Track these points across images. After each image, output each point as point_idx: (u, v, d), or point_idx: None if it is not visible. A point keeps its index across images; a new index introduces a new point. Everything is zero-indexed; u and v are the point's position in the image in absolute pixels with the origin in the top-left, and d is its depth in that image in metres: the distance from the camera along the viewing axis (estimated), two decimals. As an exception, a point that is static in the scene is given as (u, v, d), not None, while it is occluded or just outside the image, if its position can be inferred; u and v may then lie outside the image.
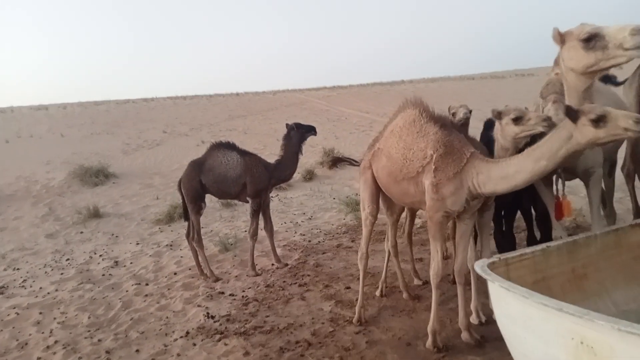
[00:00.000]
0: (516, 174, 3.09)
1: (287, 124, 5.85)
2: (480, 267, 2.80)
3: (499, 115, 3.42)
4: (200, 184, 5.77)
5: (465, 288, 3.77)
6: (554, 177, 4.06)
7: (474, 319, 3.94)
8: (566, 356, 2.18)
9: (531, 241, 4.66)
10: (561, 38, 3.21)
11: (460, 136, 3.54)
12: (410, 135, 3.65)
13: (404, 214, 5.01)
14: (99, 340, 4.35)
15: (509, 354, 2.73)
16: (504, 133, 3.38)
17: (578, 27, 3.16)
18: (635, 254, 3.26)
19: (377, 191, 4.20)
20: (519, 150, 3.37)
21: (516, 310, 2.49)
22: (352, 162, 5.22)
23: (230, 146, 5.93)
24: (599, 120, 2.66)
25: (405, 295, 4.60)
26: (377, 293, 4.73)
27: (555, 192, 4.01)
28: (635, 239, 3.42)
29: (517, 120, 3.29)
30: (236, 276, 5.70)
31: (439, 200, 3.39)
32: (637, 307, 3.14)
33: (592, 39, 3.01)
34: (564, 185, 4.07)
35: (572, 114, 2.76)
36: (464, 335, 3.71)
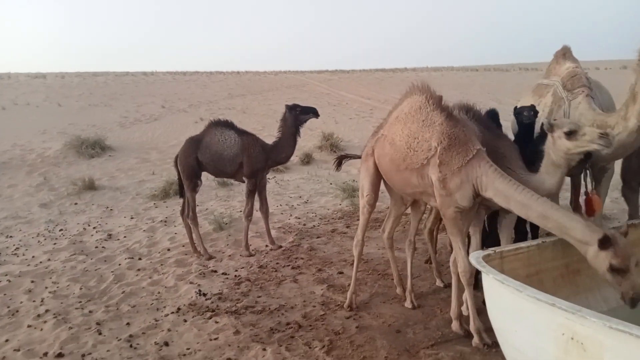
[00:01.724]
0: (518, 204, 3.06)
1: (286, 105, 5.78)
2: (475, 258, 2.81)
3: (550, 127, 3.17)
4: (197, 161, 5.74)
5: (458, 278, 3.77)
6: (582, 174, 4.07)
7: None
8: (556, 350, 2.20)
9: (520, 239, 4.64)
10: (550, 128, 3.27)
11: (467, 129, 3.42)
12: (416, 123, 3.54)
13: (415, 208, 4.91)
14: (90, 312, 4.36)
15: (498, 345, 2.76)
16: (555, 148, 3.17)
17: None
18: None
19: (378, 180, 4.10)
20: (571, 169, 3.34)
21: (508, 303, 2.51)
22: (358, 157, 5.20)
23: (228, 125, 5.88)
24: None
25: (398, 290, 4.43)
26: (407, 305, 4.21)
27: (584, 188, 4.01)
28: (629, 238, 3.43)
29: (570, 134, 3.05)
30: (229, 255, 5.71)
31: (447, 195, 3.33)
32: (627, 305, 3.15)
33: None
34: (592, 181, 4.07)
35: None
36: (454, 325, 3.73)
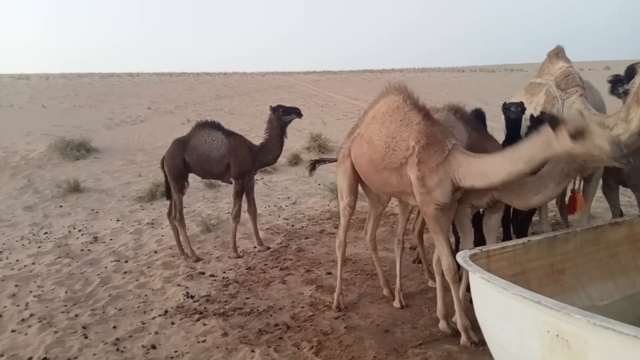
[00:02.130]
0: (494, 173, 3.07)
1: (270, 106, 5.76)
2: (462, 257, 2.83)
3: (554, 120, 2.81)
4: (184, 163, 5.70)
5: (444, 279, 3.79)
6: None
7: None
8: (541, 348, 2.23)
9: (506, 237, 4.69)
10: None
11: (443, 127, 3.47)
12: (394, 122, 3.56)
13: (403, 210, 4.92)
14: (76, 315, 4.31)
15: (485, 343, 2.78)
16: (558, 146, 2.87)
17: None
18: (612, 251, 3.34)
19: (356, 181, 4.09)
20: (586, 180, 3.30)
21: (495, 301, 2.53)
22: (333, 160, 5.20)
23: (215, 126, 5.85)
24: (577, 135, 2.62)
25: (385, 291, 4.41)
26: (396, 304, 4.21)
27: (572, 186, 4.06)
28: (613, 237, 3.50)
29: (576, 136, 2.64)
30: (217, 257, 5.68)
31: (427, 193, 3.35)
32: (610, 302, 3.22)
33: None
34: (581, 180, 4.13)
35: (553, 122, 2.72)
36: (442, 325, 3.75)
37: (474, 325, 3.31)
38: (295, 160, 11.44)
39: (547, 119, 2.74)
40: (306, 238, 6.24)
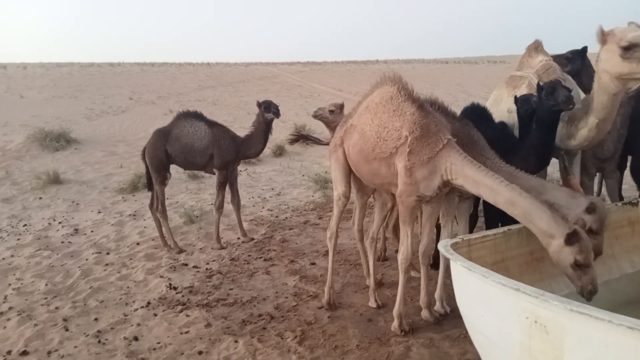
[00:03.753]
0: (487, 191, 3.08)
1: (257, 102, 5.71)
2: (443, 246, 2.85)
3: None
4: (166, 154, 5.64)
5: (428, 268, 3.83)
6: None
7: (438, 308, 3.89)
8: (520, 334, 2.26)
9: (490, 225, 4.76)
10: (603, 38, 3.18)
11: (437, 119, 3.43)
12: (387, 113, 3.52)
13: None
14: (56, 308, 4.25)
15: (466, 331, 2.82)
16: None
17: (623, 29, 3.13)
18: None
19: (350, 170, 4.03)
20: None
21: (475, 289, 2.56)
22: (317, 141, 5.16)
23: (198, 116, 5.80)
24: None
25: (368, 281, 4.32)
26: (372, 304, 4.12)
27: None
28: None
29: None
30: (200, 249, 5.65)
31: (411, 184, 3.34)
32: (600, 283, 3.25)
33: (631, 48, 3.02)
34: (570, 165, 4.24)
35: (572, 238, 2.69)
36: (424, 313, 3.79)
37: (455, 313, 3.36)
38: (279, 152, 11.41)
39: (569, 235, 2.67)
40: (290, 229, 6.24)
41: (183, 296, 4.38)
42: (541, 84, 4.04)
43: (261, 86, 25.88)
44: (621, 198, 4.97)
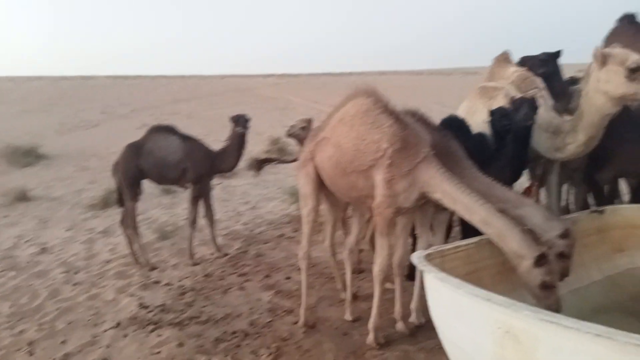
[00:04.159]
0: (463, 208, 3.13)
1: (230, 116, 5.67)
2: (416, 258, 2.85)
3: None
4: (138, 169, 5.53)
5: (402, 280, 3.83)
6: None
7: (414, 320, 3.88)
8: (493, 344, 2.27)
9: (465, 234, 4.80)
10: (603, 59, 3.28)
11: (415, 132, 3.44)
12: (364, 125, 3.48)
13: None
14: (21, 331, 4.09)
15: (440, 342, 2.81)
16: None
17: (622, 51, 3.27)
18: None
19: (320, 185, 3.96)
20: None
21: (448, 300, 2.56)
22: (281, 161, 5.16)
23: (170, 130, 5.73)
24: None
25: (343, 295, 4.34)
26: (347, 317, 4.06)
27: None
28: None
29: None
30: (173, 265, 5.53)
31: (390, 196, 3.33)
32: (567, 292, 3.29)
33: (638, 70, 3.14)
34: (537, 172, 4.30)
35: (540, 261, 2.81)
36: (399, 326, 3.78)
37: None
38: (252, 164, 11.32)
39: (538, 257, 2.79)
40: (265, 243, 6.18)
41: (155, 315, 4.26)
42: (519, 96, 4.15)
43: (236, 99, 25.82)
44: (587, 206, 5.07)
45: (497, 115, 3.95)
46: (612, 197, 4.97)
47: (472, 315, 2.38)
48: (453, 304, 2.53)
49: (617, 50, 3.35)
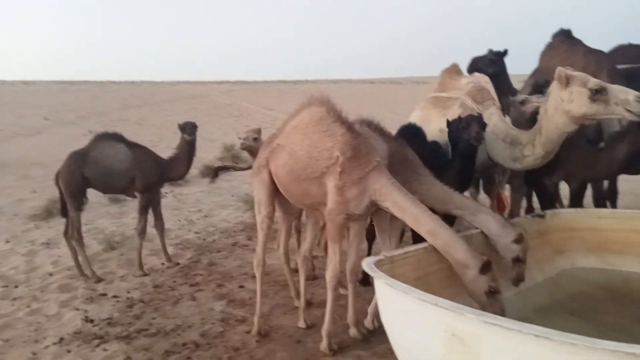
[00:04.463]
0: (412, 219, 3.22)
1: (179, 124, 5.57)
2: (367, 264, 2.88)
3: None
4: (83, 177, 5.32)
5: (355, 286, 3.86)
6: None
7: (368, 323, 3.91)
8: (441, 348, 2.32)
9: (417, 239, 4.91)
10: (567, 80, 3.44)
11: (367, 141, 3.53)
12: (317, 133, 3.55)
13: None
14: (-48, 352, 3.83)
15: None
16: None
17: (581, 74, 3.47)
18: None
19: (275, 191, 3.98)
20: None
21: (397, 305, 2.61)
22: (235, 168, 5.14)
23: (117, 137, 5.55)
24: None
25: (297, 302, 4.32)
26: (301, 325, 4.05)
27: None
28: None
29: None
30: (121, 276, 5.34)
31: (342, 203, 3.39)
32: (512, 293, 3.43)
33: (600, 92, 3.33)
34: (504, 181, 4.45)
35: (485, 268, 2.94)
36: (352, 331, 3.80)
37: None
38: (207, 172, 11.14)
39: (483, 264, 2.91)
40: (218, 252, 6.08)
41: (100, 329, 4.10)
42: (476, 110, 4.29)
43: (190, 105, 25.39)
44: (532, 210, 5.30)
45: (454, 126, 4.06)
46: (553, 201, 5.23)
47: (421, 319, 2.43)
48: (402, 309, 2.57)
49: (577, 72, 3.55)
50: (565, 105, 3.50)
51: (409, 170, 3.68)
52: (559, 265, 3.99)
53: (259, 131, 5.34)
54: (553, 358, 1.94)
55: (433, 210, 3.55)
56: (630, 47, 5.30)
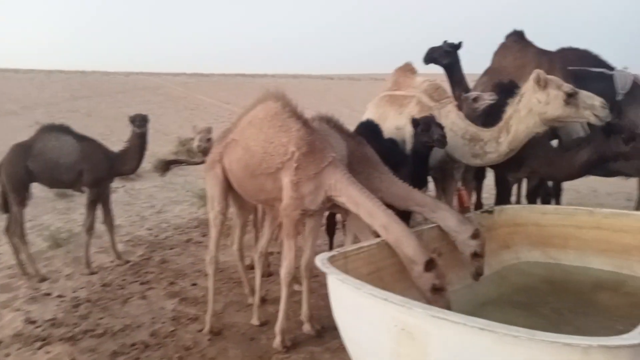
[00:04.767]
0: (366, 214, 3.25)
1: (129, 116, 5.40)
2: (320, 260, 2.88)
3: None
4: (26, 171, 5.08)
5: (310, 282, 3.86)
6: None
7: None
8: (390, 342, 2.36)
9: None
10: (544, 83, 3.55)
11: (322, 137, 3.53)
12: (272, 128, 3.53)
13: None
14: None
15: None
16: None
17: (555, 78, 3.64)
18: (453, 246, 3.65)
19: (228, 187, 3.95)
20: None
21: (349, 301, 2.63)
22: (189, 162, 5.05)
23: (64, 129, 5.34)
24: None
25: (251, 299, 4.28)
26: (254, 322, 4.02)
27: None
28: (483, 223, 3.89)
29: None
30: (67, 275, 5.13)
31: (297, 198, 3.39)
32: (452, 292, 3.51)
33: (573, 95, 3.49)
34: (459, 177, 4.53)
35: (429, 265, 2.96)
36: (306, 327, 3.81)
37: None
38: (159, 165, 10.86)
39: (427, 262, 2.95)
40: (171, 248, 5.95)
41: (43, 330, 3.92)
42: (433, 111, 4.35)
43: (143, 97, 24.64)
44: (481, 206, 5.48)
45: (420, 127, 3.99)
46: (509, 197, 5.40)
47: (371, 314, 2.45)
48: (354, 304, 2.59)
49: (552, 76, 3.71)
50: (542, 107, 3.64)
51: (370, 167, 3.72)
52: (505, 259, 4.13)
53: (210, 130, 5.27)
54: (496, 349, 2.01)
55: (393, 207, 3.62)
56: (571, 50, 5.53)
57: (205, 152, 5.25)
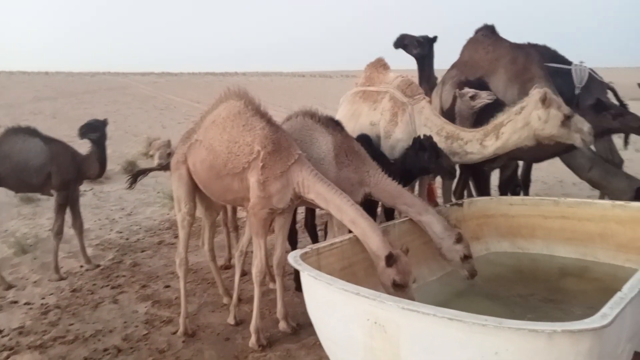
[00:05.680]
0: (335, 209, 3.28)
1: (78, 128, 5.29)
2: (292, 257, 2.90)
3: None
4: (-9, 175, 4.91)
5: (283, 279, 3.86)
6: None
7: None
8: (362, 336, 2.39)
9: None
10: (548, 102, 3.65)
11: (287, 135, 3.52)
12: (236, 127, 3.50)
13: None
14: None
15: (319, 339, 2.88)
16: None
17: (558, 99, 3.75)
18: (424, 239, 3.71)
19: (194, 187, 3.91)
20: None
21: (322, 297, 2.65)
22: (154, 169, 5.01)
23: (31, 131, 5.19)
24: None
25: (226, 300, 4.31)
26: (230, 321, 4.00)
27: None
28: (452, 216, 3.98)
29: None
30: (35, 282, 4.99)
31: (265, 197, 3.38)
32: (423, 284, 3.58)
33: (570, 118, 3.64)
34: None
35: (390, 260, 2.97)
36: (282, 325, 3.81)
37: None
38: (130, 168, 10.62)
39: (386, 257, 2.96)
40: (142, 251, 5.85)
41: (11, 339, 3.81)
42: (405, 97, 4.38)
43: (110, 97, 24.13)
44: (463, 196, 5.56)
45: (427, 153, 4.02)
46: (488, 186, 5.48)
47: (344, 309, 2.48)
48: (326, 300, 2.61)
49: (555, 97, 3.80)
50: (540, 124, 3.73)
51: (358, 160, 3.73)
52: (475, 250, 4.17)
53: (169, 144, 5.21)
54: (466, 338, 2.07)
55: (367, 203, 3.65)
56: (532, 46, 5.67)
57: (166, 168, 5.16)
